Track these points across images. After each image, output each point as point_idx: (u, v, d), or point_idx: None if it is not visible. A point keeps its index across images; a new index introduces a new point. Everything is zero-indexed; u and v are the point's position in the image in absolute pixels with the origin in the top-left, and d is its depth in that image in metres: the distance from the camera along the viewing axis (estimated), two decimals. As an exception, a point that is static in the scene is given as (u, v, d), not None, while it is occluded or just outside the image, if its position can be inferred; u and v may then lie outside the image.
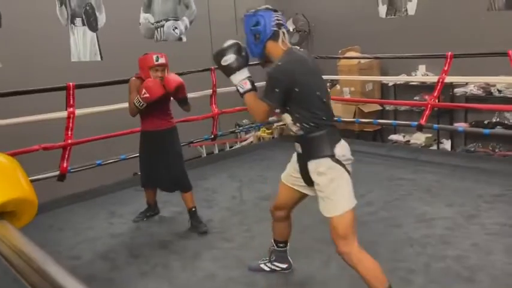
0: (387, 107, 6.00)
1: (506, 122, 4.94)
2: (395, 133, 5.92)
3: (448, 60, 4.39)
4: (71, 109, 3.80)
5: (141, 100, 2.99)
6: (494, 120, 5.00)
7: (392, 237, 2.95)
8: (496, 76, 4.45)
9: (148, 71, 3.04)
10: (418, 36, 5.57)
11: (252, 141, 6.36)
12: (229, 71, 2.10)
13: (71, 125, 3.82)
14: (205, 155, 5.88)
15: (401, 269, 2.55)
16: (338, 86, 6.19)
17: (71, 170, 3.91)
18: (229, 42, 2.14)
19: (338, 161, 1.97)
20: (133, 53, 5.68)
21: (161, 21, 6.21)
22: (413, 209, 3.37)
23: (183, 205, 3.32)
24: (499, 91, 4.90)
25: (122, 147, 4.37)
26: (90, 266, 2.87)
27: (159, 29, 6.20)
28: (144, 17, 6.05)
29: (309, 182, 2.10)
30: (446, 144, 5.48)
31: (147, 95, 2.97)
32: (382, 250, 2.77)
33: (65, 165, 3.83)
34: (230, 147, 6.30)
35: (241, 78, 2.08)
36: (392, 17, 5.98)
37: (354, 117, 5.76)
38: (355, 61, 5.80)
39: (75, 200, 4.06)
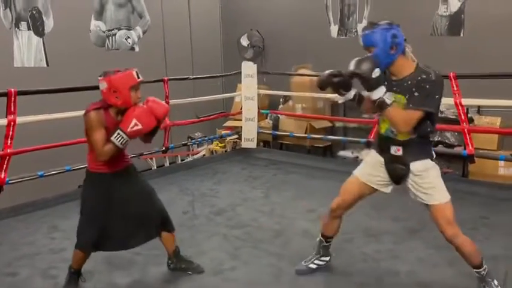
0: (337, 124, 6.16)
1: (446, 141, 5.22)
2: (344, 149, 6.08)
3: (395, 80, 4.58)
4: (12, 117, 3.59)
5: (125, 136, 2.26)
6: (436, 139, 5.27)
7: (345, 252, 2.99)
8: (438, 97, 4.71)
9: (129, 92, 2.29)
10: (367, 56, 5.79)
11: (204, 155, 6.29)
12: (377, 83, 2.15)
13: (11, 133, 3.61)
14: (155, 167, 5.74)
15: (355, 283, 2.61)
16: (291, 102, 6.30)
17: (10, 182, 3.67)
18: (365, 57, 2.20)
19: (434, 161, 2.31)
20: (82, 61, 5.55)
21: (113, 29, 6.07)
22: (362, 224, 3.45)
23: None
24: (441, 112, 5.17)
25: (67, 158, 4.18)
26: (28, 284, 2.69)
27: (110, 38, 6.05)
28: (95, 24, 5.88)
29: (398, 181, 2.34)
30: (392, 161, 5.69)
31: (140, 127, 2.27)
32: (336, 264, 2.81)
33: (2, 176, 3.60)
34: (182, 160, 6.20)
35: (384, 91, 2.17)
36: (344, 37, 6.20)
37: (305, 133, 5.87)
38: (307, 78, 5.92)
39: (13, 213, 3.80)
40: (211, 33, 7.48)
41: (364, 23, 5.97)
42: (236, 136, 6.12)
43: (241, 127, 5.83)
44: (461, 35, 5.21)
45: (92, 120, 2.28)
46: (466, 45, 5.09)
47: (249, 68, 5.72)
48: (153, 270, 2.81)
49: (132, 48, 6.30)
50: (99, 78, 2.33)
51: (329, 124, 6.17)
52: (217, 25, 7.60)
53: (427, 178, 2.26)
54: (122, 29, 6.15)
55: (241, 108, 5.87)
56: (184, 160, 6.20)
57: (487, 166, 4.62)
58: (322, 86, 2.30)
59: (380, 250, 3.00)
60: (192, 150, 6.51)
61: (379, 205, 3.84)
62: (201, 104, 5.89)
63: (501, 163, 4.55)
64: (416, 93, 2.14)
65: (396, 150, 2.28)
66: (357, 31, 6.06)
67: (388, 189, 2.43)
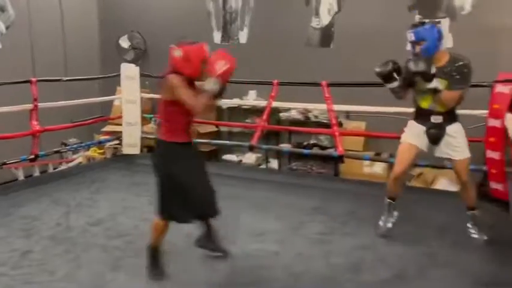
0: (222, 129, 6.25)
1: (320, 143, 5.65)
2: (229, 153, 6.19)
3: (275, 87, 4.83)
4: None
5: (217, 80, 2.36)
6: (312, 142, 5.67)
7: (230, 253, 3.03)
8: (313, 103, 5.07)
9: (200, 65, 2.44)
10: (249, 63, 5.97)
11: (80, 162, 5.85)
12: (433, 76, 2.86)
13: None
14: (22, 178, 5.16)
15: (239, 284, 2.67)
16: (174, 107, 6.20)
17: None
18: (418, 59, 2.88)
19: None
20: None
21: (-32, 22, 5.32)
22: (246, 225, 3.54)
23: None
24: (315, 116, 5.59)
25: None
26: None
27: (-35, 31, 5.29)
28: None
29: (437, 142, 3.04)
30: (274, 163, 5.97)
31: (229, 66, 2.37)
32: (221, 266, 2.84)
33: None
34: (54, 168, 5.67)
35: (436, 81, 2.88)
36: (226, 43, 6.32)
37: (190, 138, 5.82)
38: (191, 83, 5.91)
39: None
40: (87, 33, 7.01)
41: (246, 30, 6.17)
42: (117, 142, 5.80)
43: (122, 132, 5.56)
44: (331, 46, 5.69)
45: (177, 80, 2.40)
46: (336, 56, 5.57)
47: (130, 70, 5.49)
48: (20, 291, 2.51)
49: (-7, 45, 5.60)
50: (173, 46, 2.48)
51: (214, 129, 6.22)
52: (94, 24, 7.15)
53: (459, 138, 3.01)
54: (-22, 22, 5.42)
55: (121, 113, 5.60)
56: (57, 169, 5.69)
57: (354, 165, 5.10)
58: (384, 74, 3.00)
59: (262, 249, 3.11)
60: (66, 157, 6.01)
61: (261, 206, 3.99)
62: (76, 107, 5.47)
63: (366, 162, 5.07)
64: (457, 76, 2.84)
65: (437, 119, 2.99)
66: (238, 38, 6.23)
67: (427, 149, 3.11)
